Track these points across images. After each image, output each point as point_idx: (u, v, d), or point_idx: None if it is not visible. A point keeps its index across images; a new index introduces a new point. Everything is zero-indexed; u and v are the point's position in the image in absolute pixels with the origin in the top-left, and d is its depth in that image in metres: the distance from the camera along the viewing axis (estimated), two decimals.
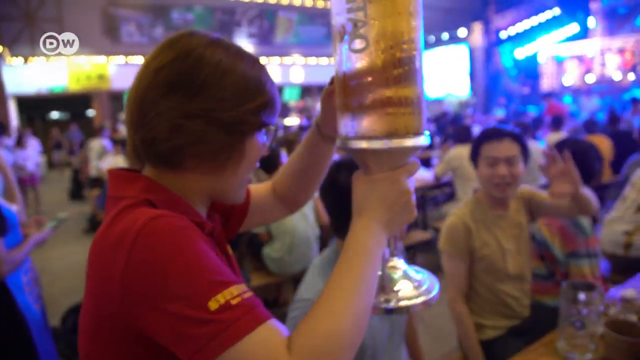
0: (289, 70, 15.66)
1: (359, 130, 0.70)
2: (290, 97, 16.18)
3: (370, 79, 0.68)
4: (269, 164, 3.41)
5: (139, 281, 0.61)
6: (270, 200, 1.06)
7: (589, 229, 2.08)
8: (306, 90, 16.78)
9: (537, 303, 2.13)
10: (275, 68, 15.19)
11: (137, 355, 0.66)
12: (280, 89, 16.02)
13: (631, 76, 12.66)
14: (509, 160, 1.89)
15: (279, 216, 1.09)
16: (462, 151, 4.58)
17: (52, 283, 4.79)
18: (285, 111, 14.97)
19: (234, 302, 0.59)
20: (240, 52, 0.77)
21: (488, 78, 16.99)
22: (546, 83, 14.66)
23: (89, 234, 6.66)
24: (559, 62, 14.40)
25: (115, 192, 0.75)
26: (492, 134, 1.95)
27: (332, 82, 0.83)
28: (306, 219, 3.36)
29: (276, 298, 3.68)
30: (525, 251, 2.03)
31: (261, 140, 0.80)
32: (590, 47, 13.65)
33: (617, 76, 12.98)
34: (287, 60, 15.50)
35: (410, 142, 0.68)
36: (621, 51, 13.00)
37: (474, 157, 2.00)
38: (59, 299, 4.16)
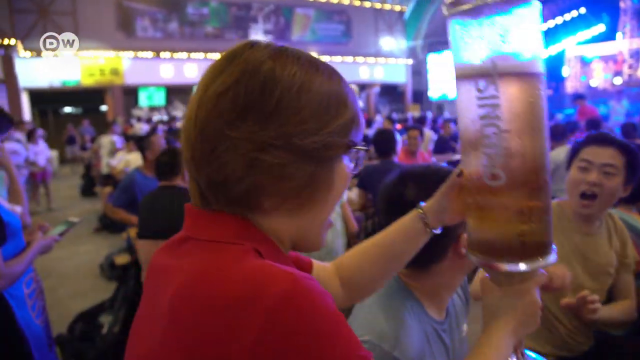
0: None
1: (493, 249, 0.74)
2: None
3: (506, 202, 0.71)
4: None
5: (282, 355, 0.50)
6: (333, 282, 0.91)
7: None
8: None
9: (601, 333, 1.80)
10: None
11: None
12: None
13: None
14: (605, 169, 1.59)
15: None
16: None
17: (59, 285, 4.55)
18: None
19: None
20: (313, 62, 0.64)
21: None
22: (570, 85, 14.27)
23: (100, 233, 6.43)
24: (587, 63, 14.01)
25: (198, 233, 0.63)
26: (597, 138, 1.67)
27: (460, 174, 0.81)
28: (333, 228, 3.06)
29: None
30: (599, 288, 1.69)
31: (348, 165, 0.68)
32: (619, 48, 13.25)
33: None
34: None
35: (543, 262, 0.73)
36: None
37: (570, 160, 1.72)
38: (67, 303, 3.93)
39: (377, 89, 18.29)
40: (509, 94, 0.68)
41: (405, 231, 0.89)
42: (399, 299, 1.03)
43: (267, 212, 0.63)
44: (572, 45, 14.52)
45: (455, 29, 0.72)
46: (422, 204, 0.88)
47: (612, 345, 1.77)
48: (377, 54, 17.37)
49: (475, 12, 0.68)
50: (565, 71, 14.49)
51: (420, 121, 7.97)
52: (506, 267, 0.73)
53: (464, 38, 0.70)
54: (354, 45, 16.91)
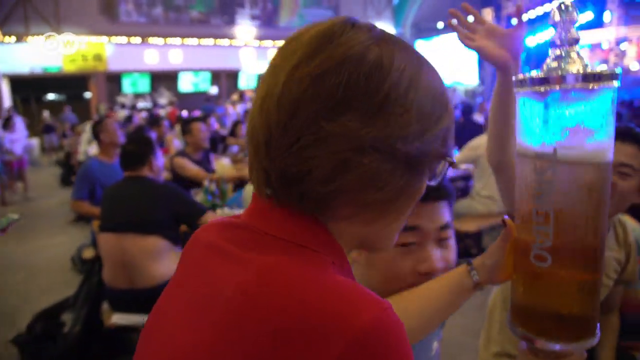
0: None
1: (534, 321, 0.72)
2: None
3: (550, 280, 0.69)
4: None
5: None
6: None
7: None
8: None
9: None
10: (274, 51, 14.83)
11: None
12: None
13: None
14: (620, 170, 1.39)
15: None
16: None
17: (30, 279, 4.44)
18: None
19: None
20: (418, 54, 0.58)
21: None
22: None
23: (77, 224, 6.27)
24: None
25: (270, 227, 0.55)
26: (619, 133, 1.40)
27: (504, 223, 0.77)
28: None
29: None
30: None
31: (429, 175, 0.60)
32: (606, 36, 13.22)
33: (634, 67, 12.60)
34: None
35: (585, 344, 0.70)
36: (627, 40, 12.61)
37: None
38: (37, 298, 3.80)
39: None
40: (566, 181, 0.66)
41: (451, 286, 0.83)
42: None
43: (341, 218, 0.56)
44: None
45: (522, 106, 0.69)
46: (471, 260, 0.83)
47: None
48: None
49: (545, 94, 0.65)
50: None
51: None
52: (541, 344, 0.70)
53: (528, 116, 0.68)
54: None
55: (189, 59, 14.46)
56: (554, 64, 0.66)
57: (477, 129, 6.00)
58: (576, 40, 0.66)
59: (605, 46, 13.27)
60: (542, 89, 0.64)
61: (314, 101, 0.51)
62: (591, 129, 0.64)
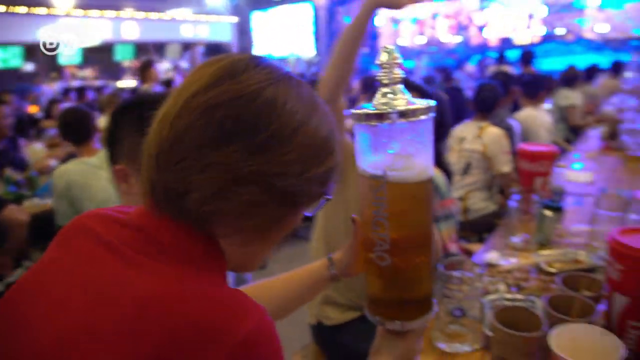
0: (121, 25, 13.97)
1: (381, 306, 0.84)
2: (123, 56, 14.58)
3: (389, 277, 0.81)
4: (81, 133, 2.73)
5: None
6: None
7: (445, 189, 1.88)
8: (141, 49, 15.25)
9: None
10: (105, 23, 13.42)
11: None
12: (112, 46, 14.32)
13: (457, 38, 13.91)
14: None
15: None
16: None
17: None
18: (118, 72, 13.49)
19: None
20: (313, 98, 0.62)
21: (332, 38, 17.20)
22: (383, 43, 15.40)
23: None
24: (395, 23, 15.22)
25: (163, 237, 0.58)
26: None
27: (354, 220, 0.88)
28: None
29: None
30: None
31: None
32: (424, 10, 14.63)
33: (445, 39, 14.17)
34: (119, 13, 13.77)
35: (424, 320, 0.84)
36: (448, 16, 14.18)
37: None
38: None
39: (201, 49, 17.43)
40: (396, 197, 0.76)
41: (312, 276, 0.95)
42: None
43: (219, 236, 0.61)
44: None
45: (358, 135, 0.78)
46: (331, 255, 0.95)
47: None
48: (200, 10, 16.45)
49: (375, 127, 0.74)
50: (378, 30, 15.54)
51: None
52: (390, 325, 0.82)
53: (363, 144, 0.78)
54: (174, 1, 15.75)
55: None
56: (383, 100, 0.75)
57: None
58: (400, 80, 0.76)
59: (422, 20, 14.67)
60: (373, 122, 0.73)
61: (203, 129, 0.55)
62: (413, 153, 0.76)
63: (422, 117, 0.73)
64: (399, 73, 0.75)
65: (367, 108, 0.75)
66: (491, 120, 2.97)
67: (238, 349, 0.51)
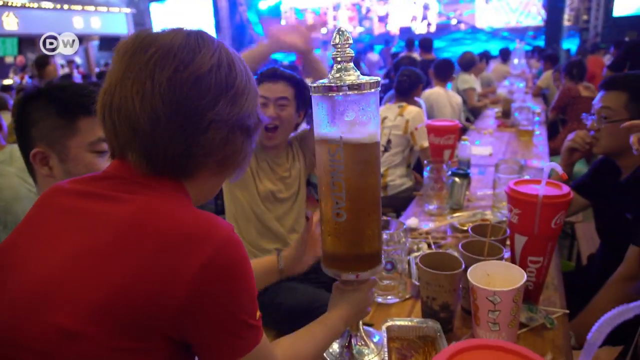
0: (1, 18, 12.73)
1: (338, 263, 0.99)
2: (5, 51, 13.30)
3: (346, 232, 0.95)
4: None
5: (219, 287, 0.65)
6: None
7: None
8: (25, 43, 14.01)
9: None
10: None
11: (146, 350, 0.65)
12: None
13: (359, 29, 14.35)
14: (279, 103, 1.80)
15: None
16: None
17: None
18: (2, 69, 12.31)
19: (259, 313, 0.74)
20: (236, 52, 0.79)
21: (234, 29, 16.98)
22: None
23: None
24: (299, 15, 15.37)
25: (136, 177, 0.71)
26: (269, 76, 1.83)
27: (307, 217, 1.10)
28: None
29: None
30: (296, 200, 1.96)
31: None
32: (324, 2, 14.92)
33: (349, 29, 14.62)
34: None
35: (375, 271, 1.00)
36: (350, 7, 14.61)
37: None
38: None
39: (96, 42, 16.41)
40: (350, 159, 0.89)
41: (264, 267, 1.14)
42: None
43: (204, 177, 0.76)
44: None
45: (316, 105, 0.90)
46: (279, 251, 1.15)
47: None
48: (92, 2, 15.45)
49: (331, 98, 0.87)
50: (282, 22, 15.62)
51: None
52: (345, 276, 0.98)
53: (321, 113, 0.90)
54: None
55: None
56: (337, 75, 0.88)
57: None
58: (351, 58, 0.89)
59: (322, 11, 14.96)
60: (329, 94, 0.87)
61: (196, 97, 0.68)
62: (363, 121, 0.89)
63: (370, 90, 0.87)
64: (350, 52, 0.89)
65: (324, 82, 0.88)
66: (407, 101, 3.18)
67: (219, 250, 0.64)
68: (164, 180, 0.71)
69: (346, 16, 15.00)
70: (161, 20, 17.39)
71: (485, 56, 7.18)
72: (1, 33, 13.06)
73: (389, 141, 3.04)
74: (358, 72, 0.89)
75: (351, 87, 0.85)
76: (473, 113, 5.20)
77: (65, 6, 14.65)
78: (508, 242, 1.28)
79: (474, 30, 14.75)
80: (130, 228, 0.65)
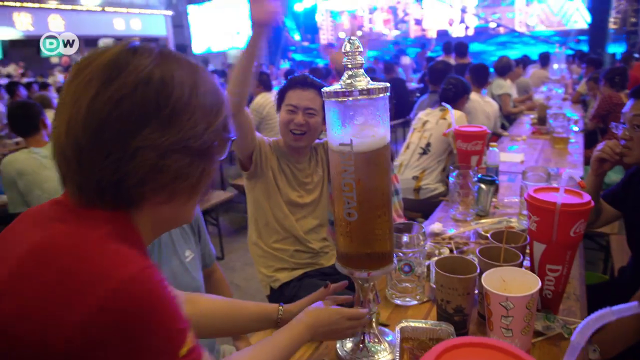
0: (47, 19, 13.31)
1: (351, 261, 1.04)
2: (51, 50, 13.87)
3: (357, 231, 1.00)
4: (30, 125, 2.77)
5: (118, 333, 0.56)
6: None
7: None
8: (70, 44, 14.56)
9: None
10: (25, 16, 12.70)
11: None
12: (38, 40, 13.55)
13: (395, 32, 14.31)
14: (308, 112, 1.81)
15: None
16: (267, 98, 4.42)
17: None
18: (48, 68, 12.84)
19: (191, 344, 0.63)
20: (191, 63, 0.70)
21: (269, 32, 17.14)
22: (323, 37, 15.67)
23: None
24: (335, 17, 15.45)
25: (70, 204, 0.67)
26: (299, 82, 1.83)
27: (326, 286, 1.21)
28: None
29: None
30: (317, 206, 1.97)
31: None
32: (360, 4, 14.94)
33: (384, 31, 14.58)
34: (44, 6, 13.12)
35: (386, 270, 1.05)
36: (386, 9, 14.60)
37: (279, 103, 1.88)
38: None
39: (136, 43, 16.86)
40: (361, 161, 0.94)
41: (262, 313, 1.15)
42: None
43: (153, 205, 0.68)
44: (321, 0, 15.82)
45: (329, 110, 0.95)
46: (282, 305, 1.16)
47: None
48: (132, 4, 15.96)
49: (343, 102, 0.92)
50: (318, 24, 15.79)
51: None
52: (358, 274, 1.02)
53: (333, 117, 0.95)
54: None
55: None
56: (348, 81, 0.93)
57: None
58: (361, 65, 0.95)
59: (358, 13, 14.98)
60: (341, 99, 0.91)
61: (118, 122, 0.61)
62: (373, 124, 0.93)
63: (380, 95, 0.92)
64: (360, 59, 0.95)
65: (336, 88, 0.92)
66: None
67: (119, 290, 0.56)
68: (97, 211, 0.65)
69: (381, 19, 14.96)
70: (198, 21, 17.78)
71: (523, 61, 7.02)
72: (48, 34, 13.59)
73: (428, 144, 3.03)
74: (368, 78, 0.94)
75: (361, 92, 0.91)
76: (508, 119, 5.12)
77: (112, 9, 15.15)
78: (528, 250, 1.28)
79: (518, 34, 14.44)
80: (28, 260, 0.59)
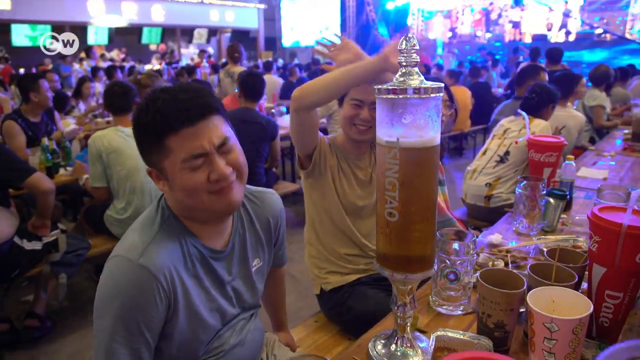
0: (150, 9, 14.24)
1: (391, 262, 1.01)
2: (150, 39, 14.81)
3: (398, 232, 0.97)
4: (122, 104, 2.98)
5: None
6: None
7: None
8: (168, 32, 15.49)
9: None
10: (131, 6, 13.66)
11: None
12: (140, 29, 14.58)
13: (487, 35, 13.78)
14: (373, 107, 1.71)
15: None
16: None
17: None
18: (145, 54, 13.75)
19: None
20: None
21: (359, 29, 17.19)
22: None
23: None
24: (427, 17, 15.16)
25: None
26: None
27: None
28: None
29: None
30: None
31: None
32: (453, 4, 14.53)
33: (476, 33, 14.11)
34: None
35: (424, 275, 1.01)
36: (478, 11, 14.10)
37: (341, 97, 1.79)
38: None
39: (228, 34, 17.63)
40: (406, 161, 0.91)
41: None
42: (159, 223, 1.08)
43: None
44: None
45: (379, 107, 0.94)
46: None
47: None
48: None
49: (393, 100, 0.90)
50: (409, 22, 15.54)
51: (266, 67, 7.90)
52: (398, 276, 0.99)
53: (382, 115, 0.93)
54: None
55: (22, 9, 12.67)
56: (401, 79, 0.92)
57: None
58: (416, 63, 0.93)
59: (453, 14, 14.57)
60: (392, 96, 0.90)
61: None
62: (421, 124, 0.91)
63: (432, 95, 0.89)
64: (415, 57, 0.93)
65: (389, 85, 0.91)
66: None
67: None
68: None
69: (469, 21, 14.47)
70: (289, 16, 18.17)
71: (623, 71, 6.46)
72: (147, 23, 14.49)
73: (507, 152, 2.91)
74: (422, 77, 0.92)
75: (413, 90, 0.88)
76: (599, 133, 4.75)
77: (210, 1, 15.87)
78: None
79: (621, 41, 13.31)
80: None
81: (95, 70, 8.01)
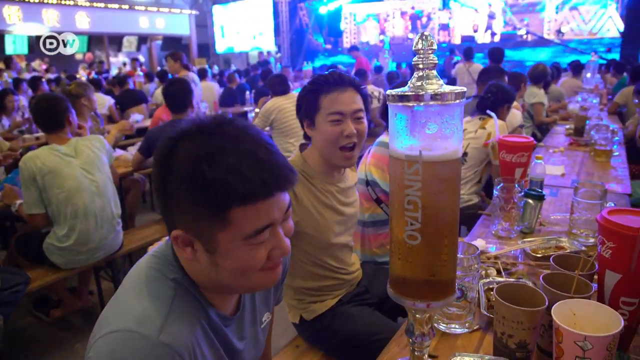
0: (74, 16, 13.45)
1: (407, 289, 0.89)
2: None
3: (419, 257, 0.85)
4: (54, 121, 2.66)
5: None
6: None
7: None
8: (95, 40, 14.72)
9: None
10: (53, 13, 12.84)
11: None
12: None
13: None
14: (356, 116, 1.52)
15: None
16: (280, 102, 4.31)
17: None
18: (71, 65, 12.96)
19: None
20: None
21: (293, 33, 17.19)
22: (346, 40, 15.71)
23: None
24: (359, 21, 15.45)
25: None
26: (336, 82, 1.51)
27: None
28: (103, 195, 2.68)
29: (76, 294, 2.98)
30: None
31: None
32: (384, 8, 14.90)
33: (407, 36, 14.51)
34: (69, 3, 13.23)
35: (450, 301, 0.89)
36: (403, 14, 14.56)
37: (310, 114, 1.53)
38: None
39: (159, 42, 17.05)
40: (429, 176, 0.79)
41: None
42: (173, 287, 0.85)
43: None
44: (346, 3, 15.81)
45: (394, 117, 0.81)
46: None
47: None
48: (157, 3, 16.06)
49: (411, 108, 0.78)
50: (342, 27, 15.79)
51: (201, 74, 7.60)
52: (419, 304, 0.87)
53: (399, 125, 0.81)
54: None
55: None
56: (418, 84, 0.79)
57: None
58: (434, 65, 0.80)
59: (382, 17, 14.89)
60: (409, 103, 0.77)
61: None
62: (446, 135, 0.79)
63: (455, 100, 0.77)
64: (434, 59, 0.80)
65: (404, 90, 0.78)
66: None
67: None
68: None
69: (401, 25, 14.90)
70: (222, 21, 17.86)
71: (556, 69, 6.80)
72: (71, 31, 13.71)
73: (464, 154, 2.89)
74: (441, 81, 0.80)
75: (434, 96, 0.76)
76: (540, 129, 4.93)
77: (139, 7, 15.24)
78: (596, 277, 1.14)
79: (542, 42, 14.16)
80: None
81: (17, 82, 7.37)
